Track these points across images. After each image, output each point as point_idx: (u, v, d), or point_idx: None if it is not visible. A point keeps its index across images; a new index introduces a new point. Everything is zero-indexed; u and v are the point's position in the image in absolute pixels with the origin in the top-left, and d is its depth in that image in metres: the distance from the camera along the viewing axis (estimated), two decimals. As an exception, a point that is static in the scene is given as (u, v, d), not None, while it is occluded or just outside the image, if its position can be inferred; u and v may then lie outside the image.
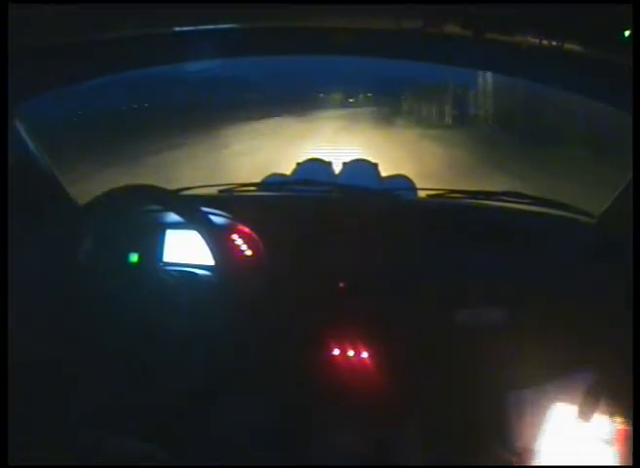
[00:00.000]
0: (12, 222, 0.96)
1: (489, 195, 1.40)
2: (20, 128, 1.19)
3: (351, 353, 1.27)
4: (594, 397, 1.06)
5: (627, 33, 0.82)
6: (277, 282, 1.26)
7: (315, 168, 1.76)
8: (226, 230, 1.27)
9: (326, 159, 1.81)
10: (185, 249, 1.30)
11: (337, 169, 1.76)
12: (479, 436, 1.19)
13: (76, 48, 1.08)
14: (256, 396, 1.26)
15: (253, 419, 1.22)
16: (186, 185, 1.45)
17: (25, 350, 1.04)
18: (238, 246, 1.26)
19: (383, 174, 1.73)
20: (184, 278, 1.25)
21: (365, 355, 1.27)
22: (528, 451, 1.05)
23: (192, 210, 1.16)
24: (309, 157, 1.83)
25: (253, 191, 1.53)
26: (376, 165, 1.77)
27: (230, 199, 1.48)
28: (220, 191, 1.48)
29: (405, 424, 1.24)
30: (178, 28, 1.10)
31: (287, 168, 1.79)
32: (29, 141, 1.22)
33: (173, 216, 1.26)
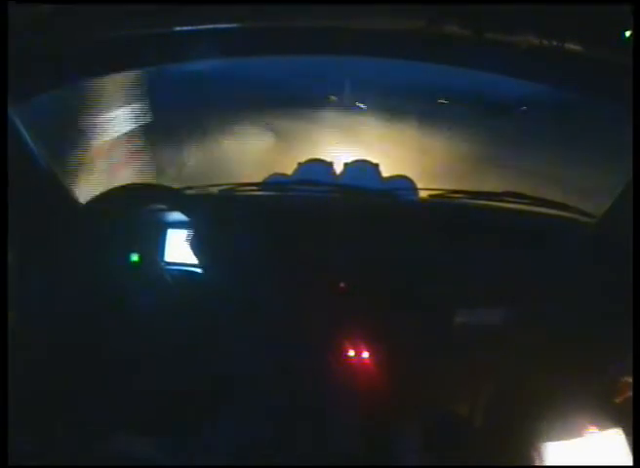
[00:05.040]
0: (12, 222, 0.96)
1: (489, 195, 1.40)
2: (20, 128, 1.19)
3: (352, 353, 1.27)
4: (594, 395, 1.06)
5: (627, 33, 0.83)
6: (277, 282, 1.26)
7: (316, 168, 1.76)
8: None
9: (327, 159, 1.81)
10: (186, 248, 1.30)
11: (338, 169, 1.76)
12: (479, 436, 1.19)
13: (76, 48, 1.08)
14: (256, 396, 1.26)
15: (253, 419, 1.22)
16: (187, 185, 1.45)
17: (26, 350, 1.04)
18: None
19: (385, 174, 1.74)
20: (185, 278, 1.25)
21: (365, 355, 1.27)
22: (527, 450, 1.05)
23: (193, 209, 1.16)
24: (310, 157, 1.83)
25: (253, 191, 1.53)
26: (377, 165, 1.77)
27: (230, 199, 1.48)
28: (220, 191, 1.48)
29: (405, 424, 1.24)
30: (178, 28, 1.10)
31: (288, 168, 1.79)
32: (29, 141, 1.22)
33: (174, 216, 1.26)
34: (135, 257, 1.30)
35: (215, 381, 1.25)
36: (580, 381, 1.13)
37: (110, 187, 1.19)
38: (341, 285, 1.30)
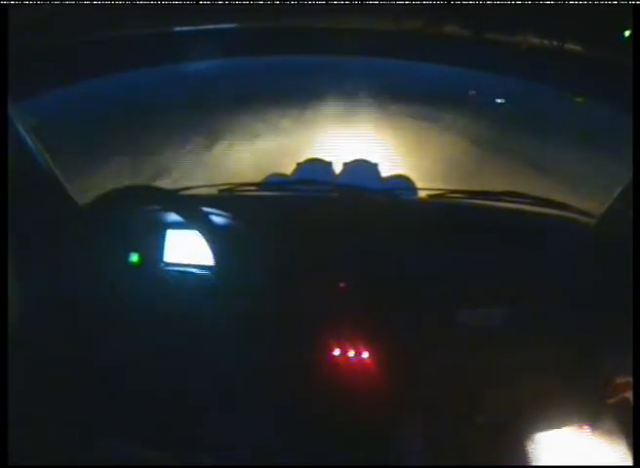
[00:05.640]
0: (12, 222, 0.96)
1: (489, 195, 1.40)
2: (20, 128, 1.19)
3: (352, 353, 1.27)
4: (592, 394, 1.06)
5: (627, 33, 0.83)
6: (277, 282, 1.26)
7: (315, 167, 1.76)
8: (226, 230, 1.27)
9: (326, 159, 1.81)
10: (186, 249, 1.30)
11: (337, 168, 1.76)
12: (479, 435, 1.19)
13: (76, 48, 1.08)
14: (256, 396, 1.26)
15: (253, 419, 1.22)
16: (187, 185, 1.44)
17: (26, 350, 1.04)
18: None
19: (383, 174, 1.74)
20: (185, 278, 1.24)
21: (365, 355, 1.27)
22: (528, 450, 1.05)
23: (192, 209, 1.16)
24: (309, 157, 1.83)
25: (253, 191, 1.53)
26: (376, 165, 1.77)
27: (230, 199, 1.48)
28: (219, 191, 1.48)
29: (405, 424, 1.24)
30: (178, 28, 1.10)
31: (287, 167, 1.79)
32: (29, 141, 1.22)
33: (173, 216, 1.26)
34: (134, 258, 1.30)
35: (214, 381, 1.25)
36: (580, 380, 1.13)
37: (110, 188, 1.19)
38: (341, 284, 1.30)
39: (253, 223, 1.29)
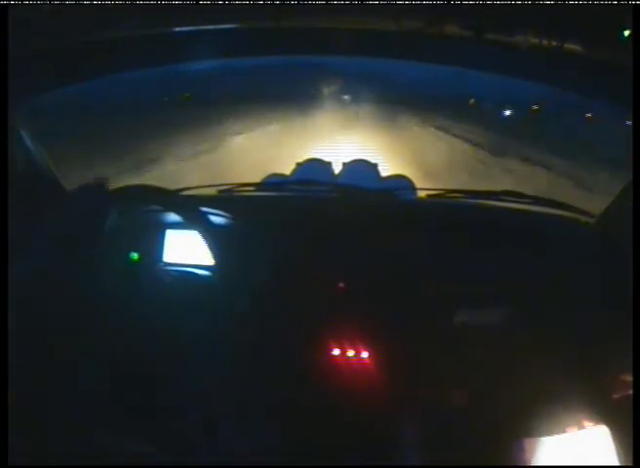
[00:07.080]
0: (12, 222, 0.96)
1: (489, 195, 1.40)
2: (20, 128, 1.19)
3: (351, 353, 1.27)
4: (592, 394, 1.06)
5: (627, 33, 0.83)
6: (277, 282, 1.26)
7: (315, 168, 1.76)
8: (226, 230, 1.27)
9: (326, 159, 1.81)
10: (185, 249, 1.31)
11: (336, 169, 1.77)
12: (479, 436, 1.19)
13: (76, 48, 1.08)
14: (255, 396, 1.26)
15: (252, 419, 1.22)
16: (186, 185, 1.45)
17: (25, 350, 1.04)
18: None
19: (383, 174, 1.74)
20: (184, 278, 1.24)
21: (365, 355, 1.27)
22: (527, 451, 1.05)
23: (192, 210, 1.16)
24: (309, 157, 1.84)
25: (253, 191, 1.53)
26: (375, 165, 1.77)
27: (230, 199, 1.48)
28: (220, 191, 1.48)
29: (405, 424, 1.24)
30: (177, 28, 1.10)
31: (287, 168, 1.79)
32: (29, 141, 1.22)
33: (173, 216, 1.26)
34: (134, 258, 1.30)
35: (214, 381, 1.25)
36: (580, 380, 1.13)
37: (110, 188, 1.19)
38: (341, 285, 1.30)
39: (252, 223, 1.29)
